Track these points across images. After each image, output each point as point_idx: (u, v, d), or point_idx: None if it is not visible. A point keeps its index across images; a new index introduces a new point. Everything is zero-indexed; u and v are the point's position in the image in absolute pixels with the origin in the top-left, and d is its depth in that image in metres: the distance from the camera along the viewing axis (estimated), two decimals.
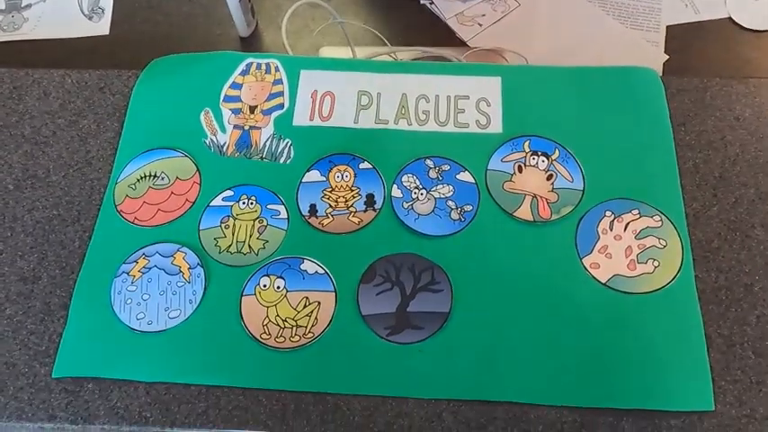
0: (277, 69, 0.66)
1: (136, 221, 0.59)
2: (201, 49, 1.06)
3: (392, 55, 0.97)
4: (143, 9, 1.07)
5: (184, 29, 1.05)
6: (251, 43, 1.05)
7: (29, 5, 1.08)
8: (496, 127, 0.63)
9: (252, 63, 0.67)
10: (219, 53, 0.68)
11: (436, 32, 1.03)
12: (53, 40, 1.03)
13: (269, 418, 0.52)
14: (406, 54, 0.97)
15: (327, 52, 0.99)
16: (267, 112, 0.64)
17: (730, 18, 0.98)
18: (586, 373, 0.51)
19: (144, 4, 1.08)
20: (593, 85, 0.65)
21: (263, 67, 0.66)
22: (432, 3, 1.04)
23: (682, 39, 0.97)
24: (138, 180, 0.61)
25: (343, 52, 0.98)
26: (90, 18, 1.08)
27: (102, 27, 1.07)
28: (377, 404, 0.52)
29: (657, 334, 0.53)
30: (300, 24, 0.91)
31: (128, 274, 0.56)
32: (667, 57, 0.96)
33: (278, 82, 0.65)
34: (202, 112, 0.64)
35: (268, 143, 0.62)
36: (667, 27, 0.98)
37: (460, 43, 1.02)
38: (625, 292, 0.55)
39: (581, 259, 0.56)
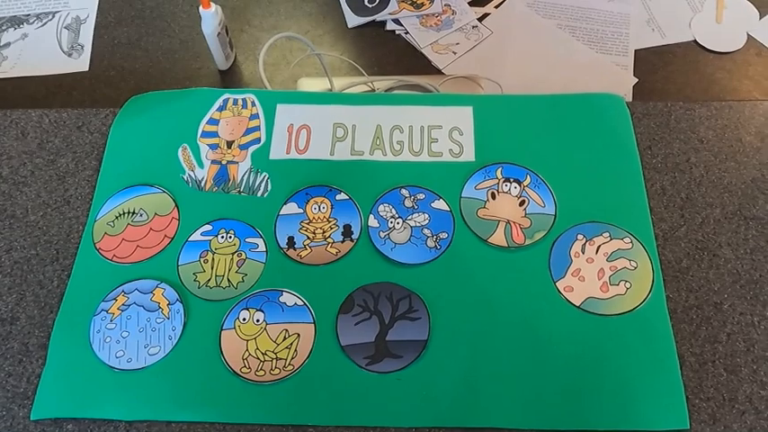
0: (254, 104, 0.67)
1: (114, 259, 0.59)
2: (181, 82, 1.07)
3: (369, 84, 0.99)
4: (122, 45, 1.09)
5: (163, 64, 1.06)
6: (230, 76, 1.07)
7: (8, 44, 1.09)
8: (469, 155, 0.64)
9: (229, 99, 0.68)
10: (196, 90, 0.69)
11: (412, 61, 1.05)
12: (33, 78, 1.04)
13: None
14: (383, 83, 0.99)
15: (306, 83, 1.01)
16: (244, 147, 0.65)
17: (695, 41, 1.02)
18: (563, 397, 0.52)
19: (123, 40, 1.09)
20: (561, 112, 0.67)
21: (240, 102, 0.68)
22: (407, 32, 1.06)
23: (649, 62, 1.01)
24: (117, 217, 0.61)
25: (321, 83, 1.00)
26: (69, 55, 1.09)
27: (81, 63, 1.08)
28: (357, 430, 0.52)
29: (631, 355, 0.54)
30: (278, 56, 0.93)
31: (107, 311, 0.56)
32: (636, 80, 0.99)
33: (254, 117, 0.67)
34: (180, 148, 0.65)
35: (245, 177, 0.63)
36: (635, 51, 1.02)
37: (436, 71, 1.05)
38: (599, 314, 0.56)
39: (555, 283, 0.57)
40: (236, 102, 0.68)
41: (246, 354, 0.54)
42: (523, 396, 0.52)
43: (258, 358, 0.54)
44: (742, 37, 1.02)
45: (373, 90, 0.98)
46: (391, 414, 0.52)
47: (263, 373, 0.53)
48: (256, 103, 0.68)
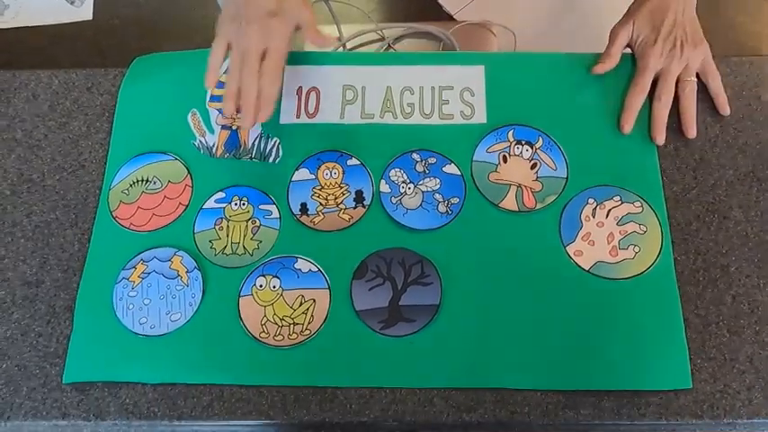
0: None
1: (132, 227, 0.60)
2: (186, 31, 1.05)
3: (379, 32, 0.96)
4: None
5: (167, 12, 1.04)
6: None
7: None
8: (481, 117, 0.64)
9: None
10: (201, 51, 0.68)
11: (423, 6, 1.02)
12: (36, 28, 1.02)
13: (270, 408, 0.55)
14: (392, 31, 0.97)
15: None
16: None
17: None
18: (571, 358, 0.54)
19: None
20: (576, 70, 0.65)
21: None
22: None
23: None
24: (131, 185, 0.62)
25: (328, 30, 0.97)
26: (71, 2, 1.07)
27: (84, 12, 1.06)
28: (372, 392, 0.55)
29: (638, 318, 0.55)
30: None
31: (128, 279, 0.58)
32: None
33: None
34: (190, 113, 0.65)
35: (256, 143, 0.63)
36: None
37: (447, 17, 1.02)
38: (607, 278, 0.57)
39: (565, 247, 0.58)
40: None
41: (265, 319, 0.56)
42: (532, 358, 0.54)
43: (276, 323, 0.56)
44: None
45: (383, 38, 0.96)
46: (405, 376, 0.54)
47: (281, 337, 0.55)
48: None
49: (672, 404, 0.54)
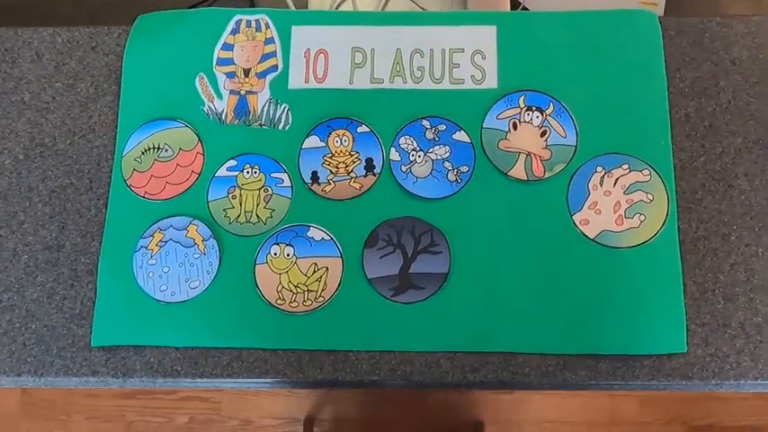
0: (267, 26, 0.65)
1: (146, 195, 0.62)
2: None
3: None
4: None
5: None
6: None
7: None
8: (491, 82, 0.63)
9: (241, 20, 0.65)
10: (205, 10, 0.66)
11: None
12: None
13: (286, 367, 0.59)
14: None
15: None
16: (262, 75, 0.64)
17: None
18: (572, 324, 0.57)
19: None
20: (589, 31, 0.64)
21: (253, 24, 0.65)
22: None
23: None
24: (143, 153, 0.63)
25: None
26: None
27: None
28: (382, 354, 0.58)
29: (640, 286, 0.58)
30: None
31: (146, 248, 0.60)
32: None
33: (269, 41, 0.64)
34: (197, 78, 0.64)
35: (266, 109, 0.63)
36: None
37: None
38: (612, 247, 0.59)
39: (572, 216, 0.60)
40: (249, 24, 0.65)
41: (280, 286, 0.58)
42: (536, 323, 0.57)
43: (291, 290, 0.58)
44: None
45: None
46: (415, 340, 0.57)
47: (296, 304, 0.58)
48: (270, 25, 0.65)
49: (664, 366, 0.57)
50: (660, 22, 0.64)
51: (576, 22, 0.64)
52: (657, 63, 0.63)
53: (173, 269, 0.59)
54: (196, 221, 0.60)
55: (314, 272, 0.59)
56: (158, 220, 0.61)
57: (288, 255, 0.59)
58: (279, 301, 0.58)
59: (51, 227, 0.64)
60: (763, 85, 0.63)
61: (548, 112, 0.62)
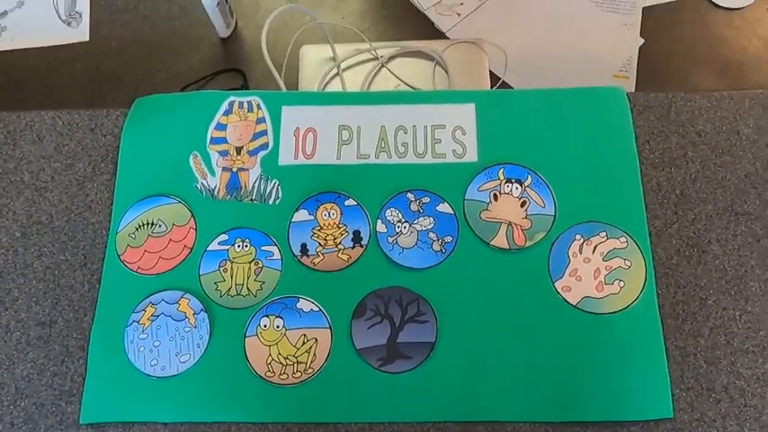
0: (259, 107, 0.69)
1: (139, 270, 0.63)
2: (182, 52, 1.07)
3: (372, 52, 0.98)
4: (121, 12, 1.07)
5: (164, 31, 1.05)
6: (231, 44, 1.06)
7: (5, 13, 1.07)
8: (472, 155, 0.66)
9: (234, 101, 0.69)
10: (201, 93, 0.70)
11: (416, 24, 1.04)
12: (34, 50, 1.03)
13: None
14: (386, 50, 0.99)
15: (308, 51, 1.00)
16: (253, 153, 0.67)
17: None
18: (559, 391, 0.58)
19: (121, 6, 1.07)
20: (562, 107, 0.68)
21: (246, 105, 0.69)
22: None
23: (658, 20, 0.99)
24: (137, 229, 0.65)
25: (323, 50, 0.99)
26: (68, 24, 1.08)
27: (81, 33, 1.07)
28: (371, 425, 0.58)
29: (623, 351, 0.59)
30: (280, 23, 0.92)
31: (138, 322, 0.61)
32: (643, 41, 0.98)
33: (261, 120, 0.68)
34: (191, 156, 0.67)
35: (257, 185, 0.65)
36: (643, 8, 1.00)
37: (440, 35, 1.03)
38: (594, 314, 0.60)
39: (554, 283, 0.62)
40: (241, 105, 0.69)
41: (270, 359, 0.59)
42: (524, 391, 0.58)
43: (281, 363, 0.59)
44: None
45: (377, 58, 0.98)
46: (402, 410, 0.58)
47: (285, 376, 0.58)
48: (262, 105, 0.69)
49: None
50: (629, 98, 0.68)
51: (549, 99, 0.68)
52: (628, 136, 0.66)
53: (164, 343, 0.60)
54: (188, 295, 0.62)
55: (303, 343, 0.60)
56: (150, 295, 0.62)
57: (277, 327, 0.60)
58: (268, 374, 0.59)
59: (45, 303, 0.65)
60: (728, 156, 0.66)
61: (526, 183, 0.65)
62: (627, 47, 0.97)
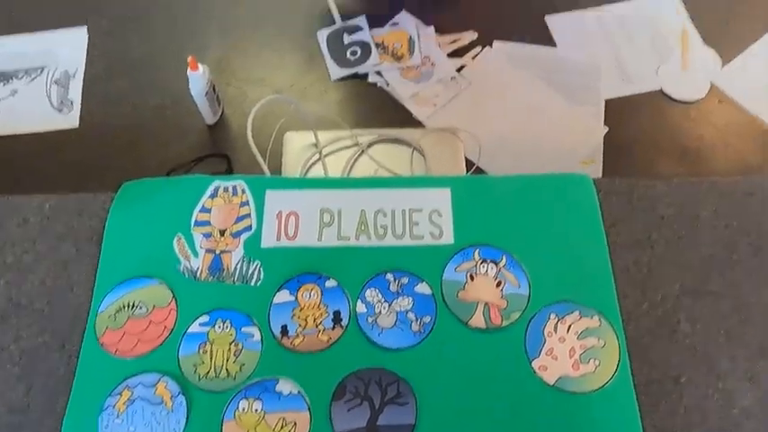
0: (243, 191, 0.71)
1: (117, 353, 0.63)
2: (170, 138, 1.10)
3: (353, 138, 1.03)
4: (112, 100, 1.11)
5: (153, 119, 1.09)
6: (218, 131, 1.10)
7: None
8: (448, 237, 0.69)
9: (219, 186, 0.72)
10: (188, 178, 0.73)
11: (393, 113, 1.10)
12: (24, 136, 1.06)
13: None
14: (366, 137, 1.03)
15: (291, 137, 1.05)
16: (236, 235, 0.69)
17: (662, 90, 1.08)
18: None
19: (113, 95, 1.12)
20: (533, 191, 0.72)
21: (230, 189, 0.71)
22: (388, 84, 1.10)
23: (619, 111, 1.06)
24: (118, 311, 0.65)
25: (306, 137, 1.04)
26: (60, 111, 1.12)
27: (71, 120, 1.11)
28: None
29: (602, 430, 0.59)
30: (265, 110, 0.96)
31: (113, 407, 0.60)
32: (607, 129, 1.05)
33: (245, 204, 0.70)
34: (175, 239, 0.69)
35: (239, 266, 0.67)
36: (606, 101, 1.07)
37: (417, 123, 1.09)
38: (571, 393, 0.61)
39: (530, 363, 0.63)
40: (226, 189, 0.71)
41: None
42: None
43: None
44: (705, 86, 1.08)
45: (357, 144, 1.02)
46: None
47: None
48: (246, 189, 0.71)
49: None
50: (594, 184, 0.72)
51: (521, 185, 0.72)
52: (595, 219, 0.70)
53: (138, 429, 0.59)
54: (166, 378, 0.61)
55: (282, 427, 0.59)
56: (128, 378, 0.61)
57: (256, 410, 0.60)
58: None
59: (19, 388, 0.64)
60: (690, 238, 0.70)
61: (501, 264, 0.68)
62: (593, 135, 1.03)
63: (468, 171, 0.97)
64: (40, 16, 1.20)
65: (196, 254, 0.68)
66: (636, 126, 1.07)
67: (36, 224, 0.73)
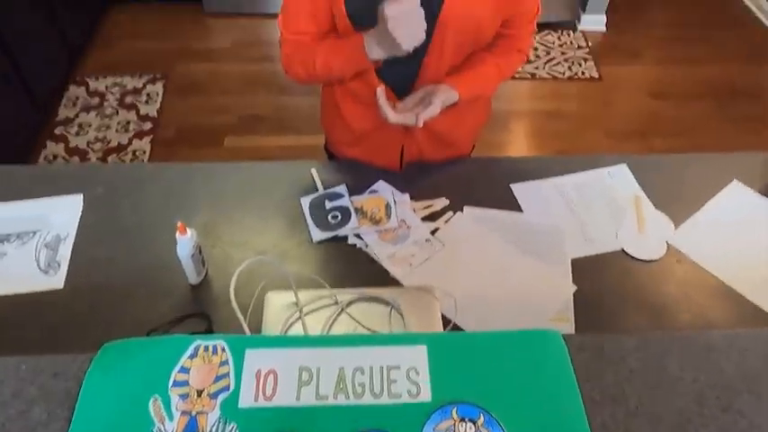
0: (223, 350, 0.72)
1: None
2: (153, 298, 1.12)
3: (333, 297, 1.06)
4: (99, 262, 1.15)
5: (137, 280, 1.12)
6: (201, 290, 1.13)
7: None
8: (426, 395, 0.69)
9: (200, 345, 0.73)
10: (169, 338, 0.74)
11: (372, 272, 1.14)
12: (6, 297, 1.08)
13: None
14: (345, 296, 1.07)
15: (273, 297, 1.07)
16: (214, 396, 0.69)
17: (623, 250, 1.15)
18: None
19: (100, 257, 1.16)
20: (507, 348, 0.74)
21: (211, 348, 0.73)
22: (367, 246, 1.17)
23: (586, 270, 1.12)
24: None
25: (287, 296, 1.07)
26: (46, 272, 1.14)
27: (56, 281, 1.13)
28: None
29: None
30: (248, 271, 1.00)
31: None
32: (575, 287, 1.10)
33: (224, 363, 0.71)
34: (151, 400, 0.68)
35: (214, 428, 0.66)
36: (573, 260, 1.14)
37: (395, 282, 1.13)
38: None
39: None
40: (206, 348, 0.73)
41: None
42: None
43: None
44: (662, 246, 1.16)
45: (337, 302, 1.05)
46: None
47: None
48: (226, 348, 0.73)
49: None
50: (565, 340, 0.75)
51: (496, 341, 0.75)
52: (568, 375, 0.72)
53: None
54: None
55: None
56: None
57: None
58: None
59: None
60: (662, 390, 0.71)
61: (479, 422, 0.68)
62: (562, 293, 1.08)
63: (445, 328, 1.00)
64: (41, 187, 1.28)
65: (171, 417, 0.67)
66: (602, 284, 1.13)
67: (9, 387, 0.72)
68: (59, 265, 1.15)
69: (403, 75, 1.13)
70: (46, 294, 1.10)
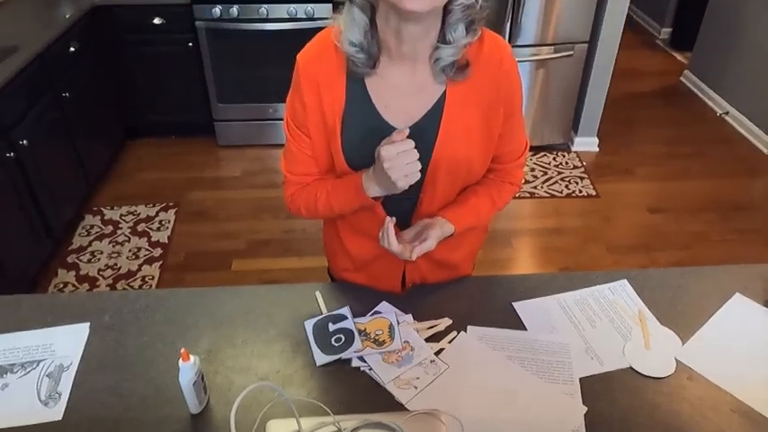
0: None
1: None
2: (150, 426, 1.10)
3: (336, 425, 1.03)
4: (99, 391, 1.14)
5: (136, 410, 1.10)
6: (201, 421, 1.11)
7: None
8: None
9: None
10: None
11: (376, 396, 1.12)
12: (3, 430, 1.05)
13: None
14: (348, 422, 1.04)
15: (274, 425, 1.05)
16: None
17: (631, 368, 1.13)
18: None
19: (101, 386, 1.15)
20: None
21: None
22: (371, 369, 1.15)
23: (594, 389, 1.10)
24: None
25: (289, 424, 1.04)
26: (45, 404, 1.13)
27: (55, 413, 1.11)
28: None
29: None
30: (250, 398, 0.99)
31: None
32: (586, 408, 1.06)
33: None
34: None
35: None
36: (580, 379, 1.11)
37: (399, 406, 1.11)
38: None
39: None
40: None
41: None
42: None
43: None
44: (671, 362, 1.14)
45: (339, 430, 1.02)
46: None
47: None
48: None
49: None
50: None
51: None
52: None
53: None
54: None
55: None
56: None
57: None
58: None
59: None
60: None
61: None
62: (573, 414, 1.05)
63: None
64: (49, 316, 1.30)
65: None
66: (614, 404, 1.10)
67: None
68: (60, 396, 1.14)
69: (402, 209, 1.19)
70: (44, 427, 1.08)
